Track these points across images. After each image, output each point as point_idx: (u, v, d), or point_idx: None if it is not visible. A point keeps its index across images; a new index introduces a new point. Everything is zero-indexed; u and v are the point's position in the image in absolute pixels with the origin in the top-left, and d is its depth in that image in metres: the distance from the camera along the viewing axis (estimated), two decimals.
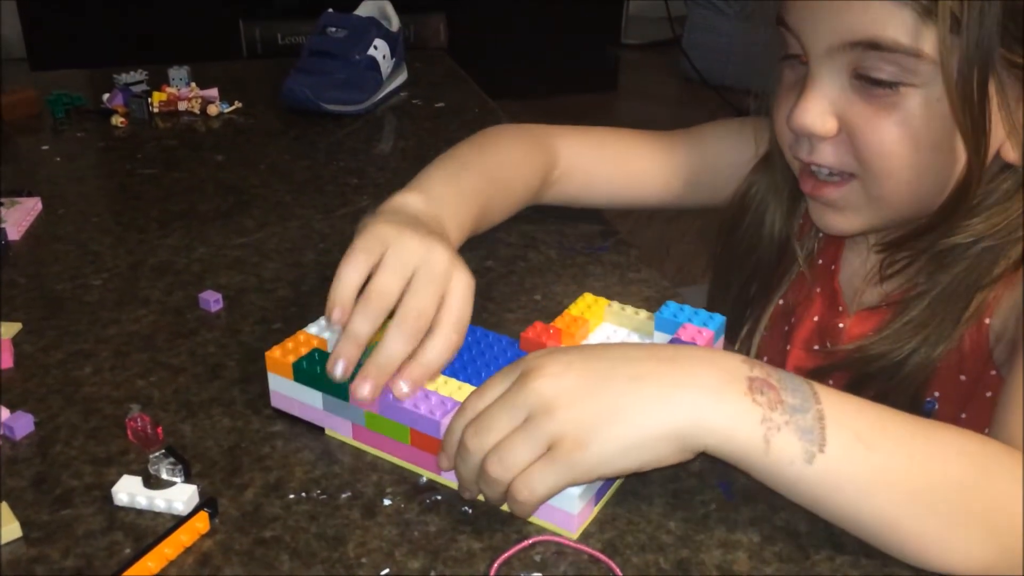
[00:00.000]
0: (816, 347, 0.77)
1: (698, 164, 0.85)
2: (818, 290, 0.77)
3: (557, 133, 0.85)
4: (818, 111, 0.64)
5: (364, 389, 0.54)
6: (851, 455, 0.48)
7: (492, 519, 0.52)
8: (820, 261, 0.78)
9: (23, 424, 0.58)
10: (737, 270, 0.83)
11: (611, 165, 0.85)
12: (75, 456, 0.57)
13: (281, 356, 0.58)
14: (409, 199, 0.65)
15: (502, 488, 0.49)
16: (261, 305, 0.73)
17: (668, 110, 3.36)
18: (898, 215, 0.67)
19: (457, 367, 0.59)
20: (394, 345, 0.54)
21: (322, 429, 0.59)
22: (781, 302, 0.81)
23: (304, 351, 0.59)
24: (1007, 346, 0.64)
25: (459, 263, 0.58)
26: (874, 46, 0.60)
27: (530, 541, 0.50)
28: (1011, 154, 0.62)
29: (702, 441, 0.48)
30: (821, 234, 0.77)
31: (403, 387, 0.54)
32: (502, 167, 0.78)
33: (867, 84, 0.62)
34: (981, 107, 0.60)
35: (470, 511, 0.53)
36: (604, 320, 0.65)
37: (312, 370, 0.57)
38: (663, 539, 0.51)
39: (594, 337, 0.63)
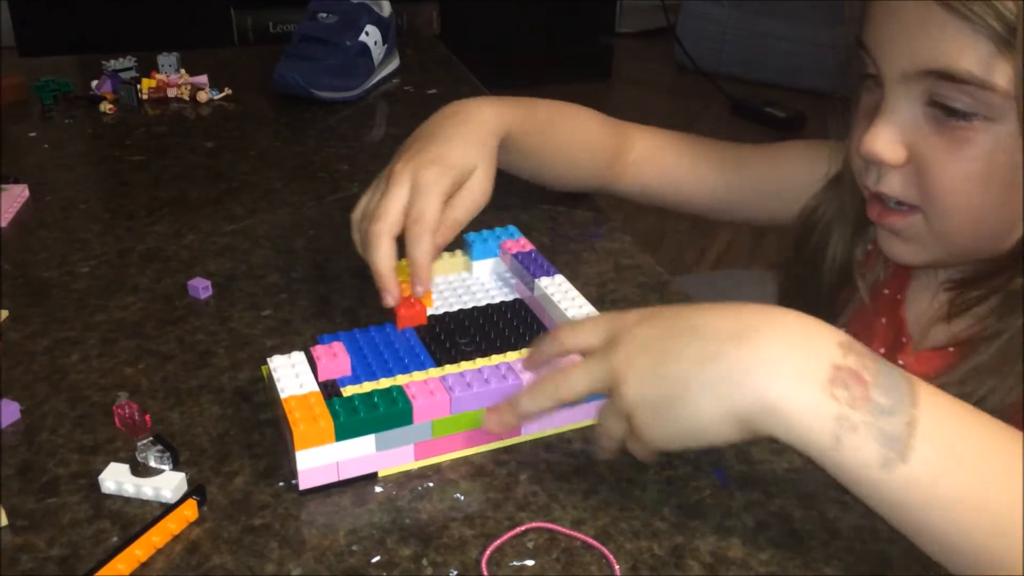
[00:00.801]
0: None
1: (765, 180, 0.85)
2: (883, 320, 0.75)
3: (633, 127, 0.88)
4: (888, 139, 0.62)
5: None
6: (939, 470, 0.44)
7: (484, 505, 0.52)
8: (886, 291, 0.75)
9: (9, 412, 0.58)
10: (801, 291, 0.81)
11: (684, 162, 0.87)
12: (61, 444, 0.56)
13: (311, 424, 0.51)
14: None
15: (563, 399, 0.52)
16: (251, 292, 0.72)
17: (662, 98, 3.35)
18: (962, 252, 0.66)
19: (375, 367, 0.60)
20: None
21: (373, 474, 0.54)
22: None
23: (320, 410, 0.52)
24: None
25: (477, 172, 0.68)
26: (947, 76, 0.58)
27: (522, 528, 0.50)
28: None
29: (768, 429, 0.46)
30: (890, 264, 0.75)
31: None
32: (569, 122, 0.83)
33: (941, 114, 0.60)
34: None
35: (462, 498, 0.52)
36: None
37: (357, 417, 0.52)
38: (657, 525, 0.51)
39: (436, 287, 0.70)
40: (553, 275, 0.69)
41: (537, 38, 3.28)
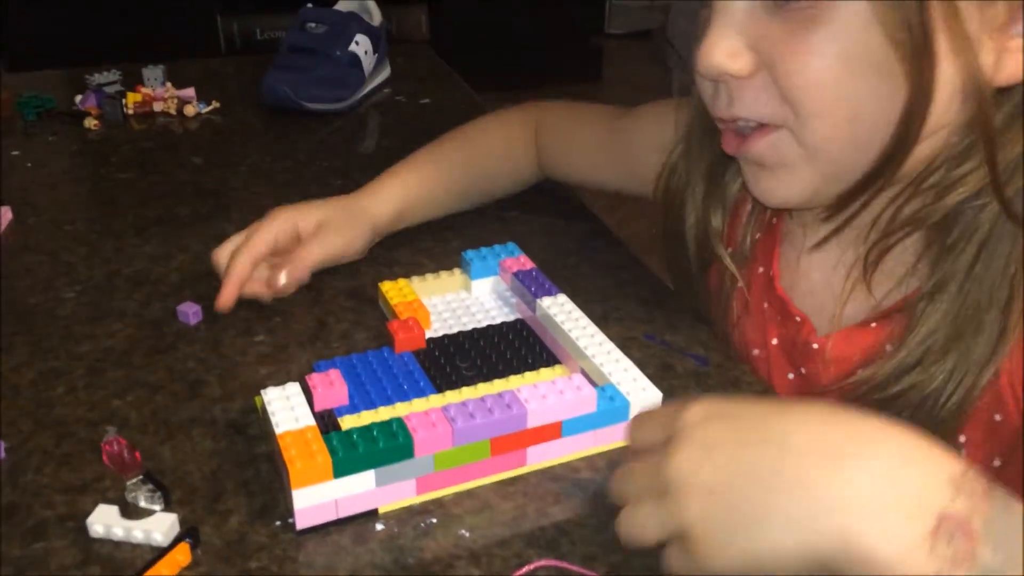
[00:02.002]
0: (791, 375, 0.66)
1: (626, 148, 0.79)
2: (766, 305, 0.66)
3: (539, 106, 0.88)
4: (726, 46, 0.53)
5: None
6: None
7: (490, 542, 0.50)
8: (760, 269, 0.66)
9: None
10: (675, 272, 0.74)
11: (561, 146, 0.85)
12: (47, 484, 0.54)
13: (307, 461, 0.48)
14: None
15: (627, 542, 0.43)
16: (242, 316, 0.70)
17: (652, 98, 3.33)
18: (839, 168, 0.55)
19: (374, 395, 0.59)
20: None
21: (373, 511, 0.51)
22: (734, 329, 0.69)
23: (317, 446, 0.49)
24: None
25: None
26: None
27: (532, 566, 0.48)
28: (1006, 71, 0.50)
29: (853, 570, 0.37)
30: (758, 224, 0.66)
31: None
32: (479, 146, 0.85)
33: (783, 2, 0.51)
34: (923, 16, 0.48)
35: (467, 534, 0.50)
36: (422, 295, 0.69)
37: (356, 453, 0.49)
38: None
39: (434, 307, 0.69)
40: (555, 294, 0.67)
41: (526, 40, 3.26)
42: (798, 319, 0.64)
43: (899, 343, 0.56)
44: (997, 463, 0.58)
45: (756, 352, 0.68)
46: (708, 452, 0.40)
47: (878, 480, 0.37)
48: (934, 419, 0.55)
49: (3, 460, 0.55)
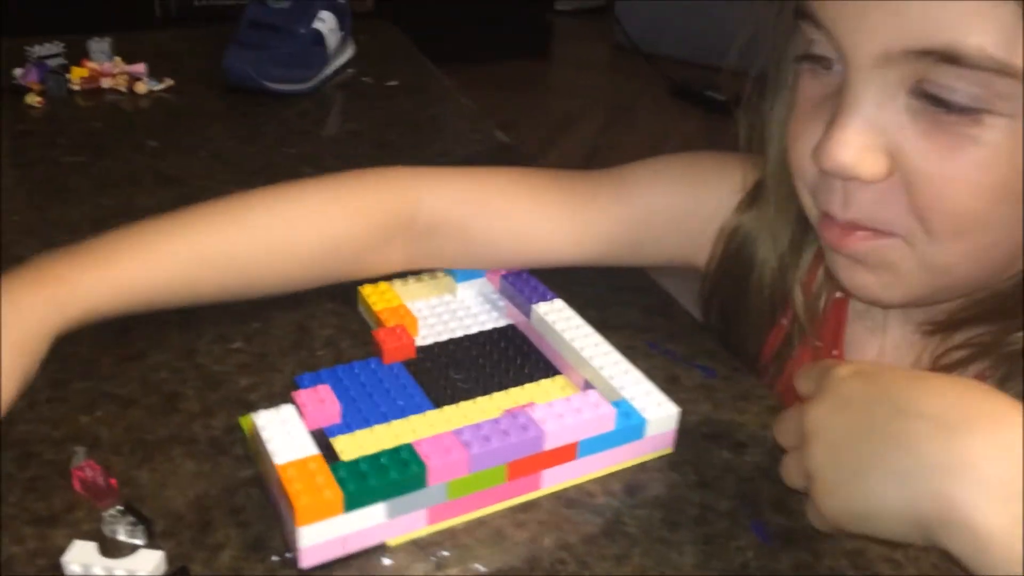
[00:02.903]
0: None
1: (626, 221, 0.66)
2: None
3: (423, 179, 0.66)
4: (861, 144, 0.47)
5: None
6: None
7: None
8: (818, 344, 0.62)
9: None
10: (726, 336, 0.68)
11: (503, 222, 0.66)
12: (14, 515, 0.48)
13: (315, 496, 0.44)
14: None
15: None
16: (216, 320, 0.65)
17: (600, 79, 3.31)
18: (954, 288, 0.52)
19: (367, 412, 0.55)
20: None
21: (380, 544, 0.47)
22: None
23: (324, 478, 0.45)
24: None
25: None
26: (950, 58, 0.43)
27: None
28: None
29: (951, 545, 0.37)
30: (823, 303, 0.61)
31: None
32: (256, 234, 0.62)
33: (934, 109, 0.45)
34: None
35: (482, 568, 0.47)
36: (406, 299, 0.65)
37: (367, 485, 0.45)
38: None
39: (419, 312, 0.64)
40: (551, 299, 0.64)
41: (472, 14, 3.19)
42: None
43: None
44: None
45: None
46: (841, 407, 0.42)
47: (992, 453, 0.37)
48: None
49: None
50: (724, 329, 0.69)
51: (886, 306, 0.58)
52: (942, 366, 0.55)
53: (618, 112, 2.97)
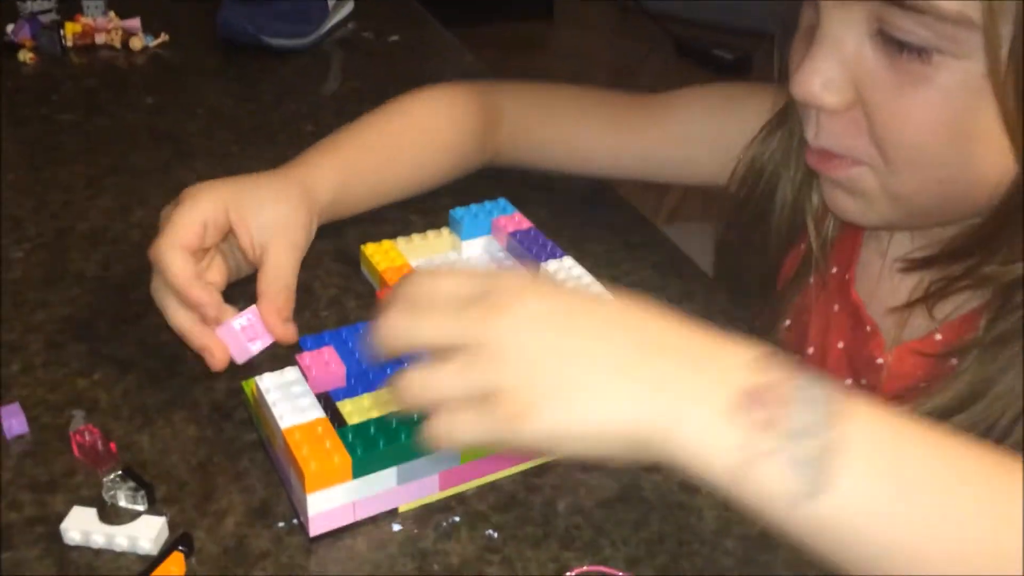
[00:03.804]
0: (849, 381, 0.63)
1: (663, 139, 0.72)
2: (836, 307, 0.64)
3: (504, 91, 0.75)
4: (827, 75, 0.50)
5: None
6: (866, 506, 0.36)
7: (523, 544, 0.45)
8: (834, 269, 0.64)
9: None
10: (744, 252, 0.70)
11: (557, 131, 0.74)
12: (11, 480, 0.47)
13: (324, 462, 0.43)
14: None
15: (408, 403, 0.40)
16: None
17: (605, 40, 3.25)
18: (924, 214, 0.55)
19: (372, 373, 0.52)
20: None
21: (393, 510, 0.47)
22: (788, 322, 0.67)
23: (332, 443, 0.44)
24: None
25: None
26: (903, 4, 0.46)
27: (574, 573, 0.43)
28: None
29: (665, 455, 0.38)
30: (834, 229, 0.63)
31: None
32: (403, 133, 0.70)
33: (891, 47, 0.48)
34: None
35: (495, 535, 0.45)
36: (410, 258, 0.63)
37: (377, 450, 0.44)
38: (723, 563, 0.44)
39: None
40: (561, 257, 0.62)
41: None
42: (868, 328, 0.62)
43: (949, 382, 0.55)
44: None
45: (811, 350, 0.65)
46: (535, 323, 0.39)
47: (692, 365, 0.38)
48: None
49: None
50: (740, 253, 0.71)
51: (869, 228, 0.62)
52: (940, 293, 0.56)
53: (624, 73, 2.93)
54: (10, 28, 0.99)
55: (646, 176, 0.75)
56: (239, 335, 0.51)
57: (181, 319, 0.52)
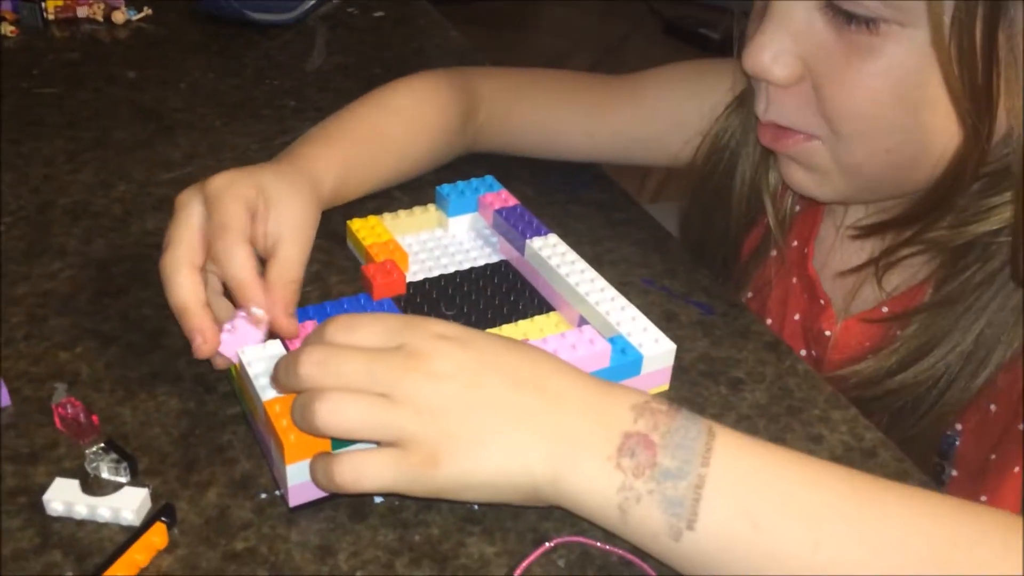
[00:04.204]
0: (803, 352, 0.66)
1: (633, 119, 0.73)
2: (794, 280, 0.66)
3: (482, 76, 0.75)
4: (776, 50, 0.52)
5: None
6: (729, 537, 0.39)
7: (503, 516, 0.45)
8: (795, 243, 0.66)
9: None
10: (706, 229, 0.72)
11: (531, 115, 0.74)
12: None
13: (303, 435, 0.43)
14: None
15: (313, 433, 0.42)
16: None
17: (591, 18, 3.24)
18: (877, 187, 0.56)
19: None
20: None
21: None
22: (750, 294, 0.69)
23: None
24: None
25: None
26: None
27: (552, 543, 0.44)
28: None
29: (556, 500, 0.41)
30: (796, 206, 0.65)
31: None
32: (390, 123, 0.68)
33: (839, 18, 0.50)
34: (987, 63, 0.47)
35: (476, 507, 0.46)
36: (396, 234, 0.63)
37: None
38: None
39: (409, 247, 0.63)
40: (546, 234, 0.62)
41: None
42: (822, 302, 0.63)
43: (892, 348, 0.57)
44: (993, 457, 0.56)
45: (769, 322, 0.67)
46: (444, 378, 0.41)
47: (581, 414, 0.41)
48: (925, 412, 0.56)
49: None
50: (703, 230, 0.72)
51: (825, 202, 0.63)
52: (891, 260, 0.58)
53: (610, 50, 2.92)
54: None
55: (620, 158, 0.75)
56: (231, 336, 0.50)
57: (186, 294, 0.50)
